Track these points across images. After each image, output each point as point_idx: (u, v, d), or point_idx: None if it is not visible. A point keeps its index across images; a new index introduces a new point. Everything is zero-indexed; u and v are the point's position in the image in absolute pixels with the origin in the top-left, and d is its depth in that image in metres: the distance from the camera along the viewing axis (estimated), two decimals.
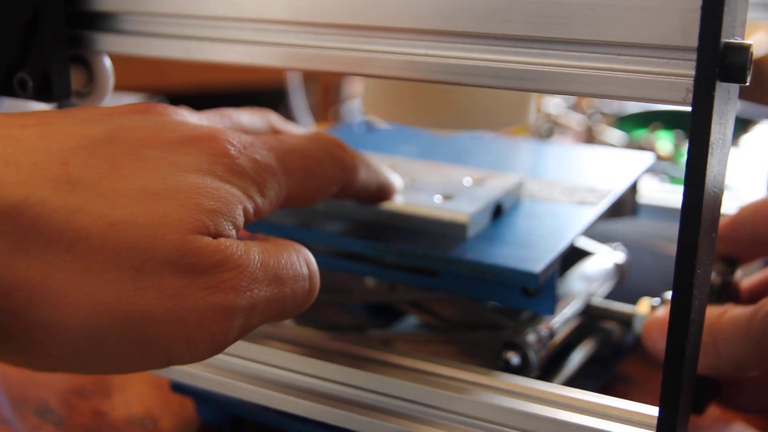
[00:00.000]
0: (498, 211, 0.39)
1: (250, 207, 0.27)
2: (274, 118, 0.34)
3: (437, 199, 0.38)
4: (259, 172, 0.27)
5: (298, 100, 1.09)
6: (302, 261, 0.28)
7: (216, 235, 0.25)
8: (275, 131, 0.33)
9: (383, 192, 0.36)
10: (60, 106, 0.49)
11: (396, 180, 0.37)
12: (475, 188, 0.39)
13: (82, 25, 0.35)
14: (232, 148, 0.27)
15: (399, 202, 0.38)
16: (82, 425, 0.40)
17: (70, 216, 0.22)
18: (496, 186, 0.40)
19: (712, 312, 0.33)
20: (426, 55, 0.29)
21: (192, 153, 0.26)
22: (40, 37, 0.33)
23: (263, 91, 1.17)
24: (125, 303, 0.23)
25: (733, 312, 0.32)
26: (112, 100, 0.36)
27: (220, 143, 0.27)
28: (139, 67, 0.85)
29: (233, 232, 0.26)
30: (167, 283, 0.23)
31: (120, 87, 0.40)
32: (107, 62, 0.36)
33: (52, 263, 0.22)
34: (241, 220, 0.26)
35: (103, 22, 0.35)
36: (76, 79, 0.35)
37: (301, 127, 0.36)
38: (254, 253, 0.25)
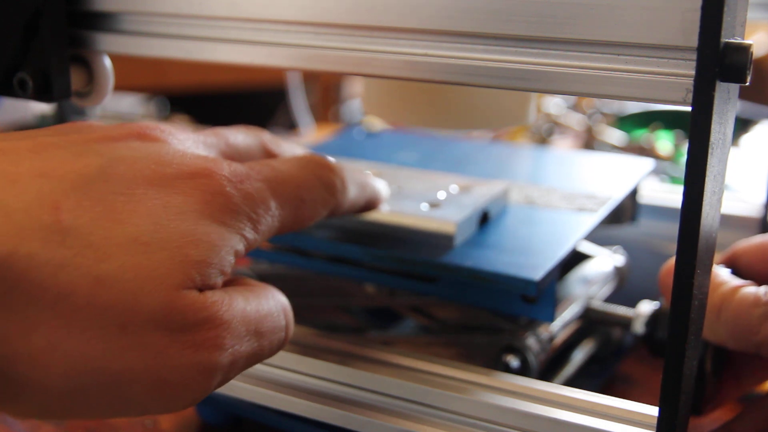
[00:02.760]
0: (485, 219, 0.39)
1: (242, 247, 0.27)
2: (266, 138, 0.34)
3: (424, 207, 0.38)
4: (254, 208, 0.27)
5: (298, 100, 1.09)
6: (280, 311, 0.28)
7: (202, 287, 0.25)
8: (268, 152, 0.33)
9: (370, 205, 0.36)
10: (60, 106, 0.49)
11: (383, 188, 0.37)
12: (462, 196, 0.39)
13: (82, 25, 0.35)
14: (228, 185, 0.27)
15: (386, 210, 0.38)
16: (82, 425, 0.40)
17: (57, 271, 0.22)
18: (482, 193, 0.40)
19: (732, 282, 0.33)
20: (426, 55, 0.29)
21: (187, 192, 0.26)
22: (40, 37, 0.33)
23: (263, 91, 1.17)
24: (106, 363, 0.23)
25: (745, 290, 0.33)
26: (112, 100, 0.36)
27: (215, 180, 0.27)
28: (139, 67, 0.85)
29: (220, 280, 0.25)
30: (150, 342, 0.23)
31: (120, 87, 0.40)
32: (107, 62, 0.36)
33: (34, 320, 0.22)
34: (230, 266, 0.26)
35: (103, 22, 0.35)
36: (76, 79, 0.35)
37: (293, 144, 0.36)
38: (237, 307, 0.25)
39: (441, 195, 0.40)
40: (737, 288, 0.33)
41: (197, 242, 0.25)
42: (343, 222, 0.38)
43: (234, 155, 0.31)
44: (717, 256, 0.37)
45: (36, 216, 0.23)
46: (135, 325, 0.23)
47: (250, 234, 0.27)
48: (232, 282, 0.27)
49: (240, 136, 0.33)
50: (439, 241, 0.36)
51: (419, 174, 0.43)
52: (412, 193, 0.40)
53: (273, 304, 0.28)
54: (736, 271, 0.37)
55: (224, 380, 0.25)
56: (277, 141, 0.35)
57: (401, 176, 0.42)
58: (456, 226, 0.36)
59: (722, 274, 0.34)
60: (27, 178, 0.24)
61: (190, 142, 0.30)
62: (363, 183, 0.35)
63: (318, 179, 0.31)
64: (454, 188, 0.40)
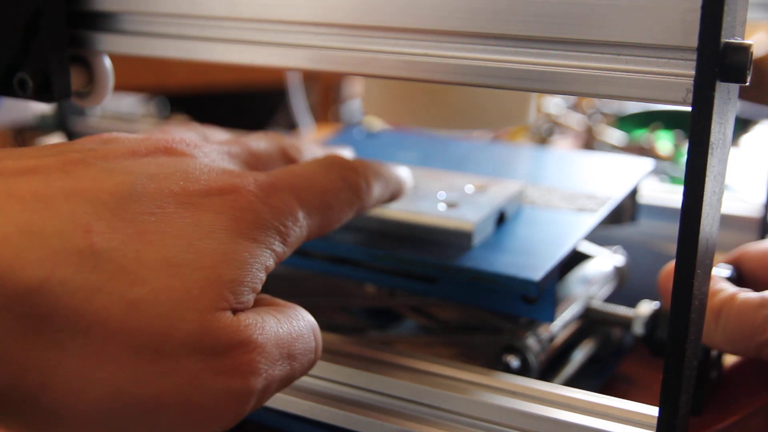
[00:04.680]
0: (501, 219, 0.39)
1: (272, 262, 0.26)
2: (286, 143, 0.34)
3: (441, 207, 0.38)
4: (282, 221, 0.27)
5: (298, 100, 1.09)
6: (310, 332, 0.27)
7: (235, 308, 0.24)
8: (288, 157, 0.33)
9: (395, 197, 0.36)
10: (60, 106, 0.49)
11: (406, 176, 0.36)
12: (478, 195, 0.39)
13: (82, 25, 0.35)
14: (256, 200, 0.27)
15: (402, 209, 0.37)
16: None
17: (91, 296, 0.22)
18: (498, 193, 0.39)
19: (730, 289, 0.33)
20: (426, 55, 0.29)
21: (216, 209, 0.26)
22: (40, 37, 0.33)
23: (263, 91, 1.17)
24: (139, 389, 0.22)
25: (747, 295, 0.32)
26: (112, 100, 0.36)
27: (243, 196, 0.26)
28: (139, 67, 0.85)
29: (252, 298, 0.25)
30: (184, 367, 0.23)
31: (120, 87, 0.40)
32: (107, 62, 0.36)
33: (67, 347, 0.22)
34: (260, 283, 0.26)
35: (103, 22, 0.35)
36: (76, 79, 0.35)
37: (312, 145, 0.36)
38: (271, 330, 0.25)
39: (457, 195, 0.39)
40: (736, 293, 0.33)
41: (229, 261, 0.25)
42: (360, 221, 0.38)
43: (257, 163, 0.31)
44: (720, 257, 0.37)
45: (69, 240, 0.22)
46: (169, 349, 0.23)
47: (279, 248, 0.27)
48: (258, 302, 0.27)
49: (262, 144, 0.33)
50: (458, 241, 0.36)
51: (434, 173, 0.43)
52: (428, 193, 0.40)
53: (303, 325, 0.27)
54: (739, 274, 0.37)
55: (257, 405, 0.25)
56: (296, 146, 0.34)
57: (416, 175, 0.42)
58: (474, 226, 0.36)
59: (719, 280, 0.34)
60: (59, 200, 0.23)
61: (215, 155, 0.29)
62: (387, 177, 0.34)
63: (344, 182, 0.31)
64: (469, 188, 0.40)
